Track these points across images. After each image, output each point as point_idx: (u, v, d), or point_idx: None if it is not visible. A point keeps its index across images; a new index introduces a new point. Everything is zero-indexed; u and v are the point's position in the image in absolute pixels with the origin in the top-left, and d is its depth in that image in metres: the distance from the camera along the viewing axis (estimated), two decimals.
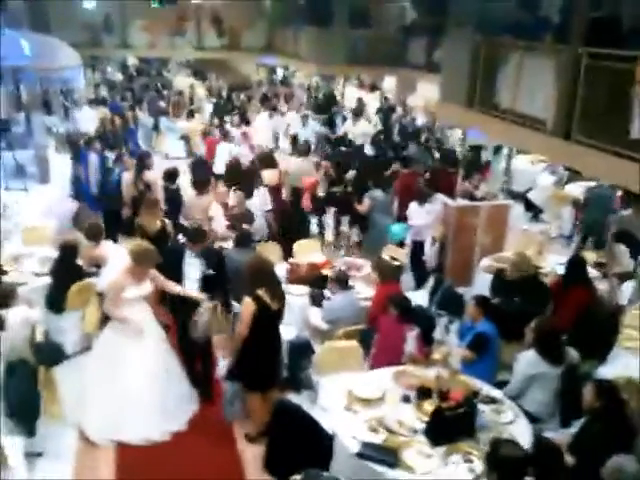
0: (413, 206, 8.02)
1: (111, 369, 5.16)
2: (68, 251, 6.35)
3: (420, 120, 15.44)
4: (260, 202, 7.98)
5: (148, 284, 5.26)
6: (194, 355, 5.77)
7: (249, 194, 8.05)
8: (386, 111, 16.09)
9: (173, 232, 7.36)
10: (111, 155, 9.63)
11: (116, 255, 6.07)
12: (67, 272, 6.27)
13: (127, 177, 8.62)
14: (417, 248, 8.04)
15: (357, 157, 10.70)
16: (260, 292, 4.79)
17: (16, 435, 4.56)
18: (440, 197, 8.20)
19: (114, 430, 5.13)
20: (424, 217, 7.95)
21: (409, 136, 13.28)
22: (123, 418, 5.13)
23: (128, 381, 5.12)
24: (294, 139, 12.08)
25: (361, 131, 12.84)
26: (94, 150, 9.35)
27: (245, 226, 7.23)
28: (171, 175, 8.34)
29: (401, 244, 8.03)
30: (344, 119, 14.52)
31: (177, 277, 5.50)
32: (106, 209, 8.81)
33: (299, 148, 9.98)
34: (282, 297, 5.02)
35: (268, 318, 4.87)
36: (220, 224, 7.33)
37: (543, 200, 10.88)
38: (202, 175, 8.79)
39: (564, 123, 6.50)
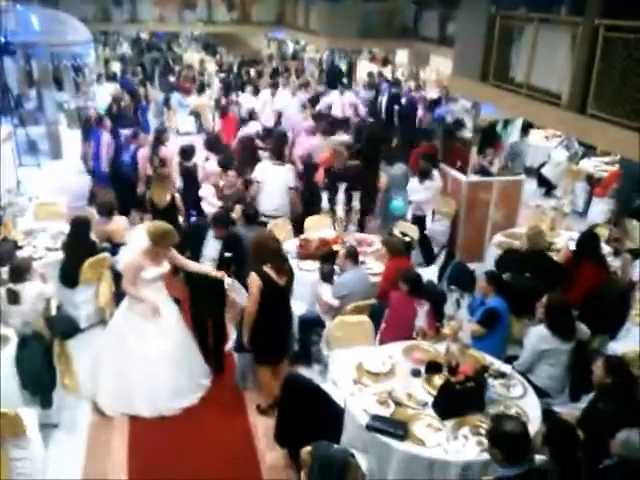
0: (413, 182, 8.04)
1: (125, 344, 5.21)
2: (80, 226, 6.40)
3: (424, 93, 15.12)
4: (284, 179, 7.87)
5: (166, 264, 5.29)
6: (207, 329, 5.86)
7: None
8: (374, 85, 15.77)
9: (184, 207, 7.42)
10: (124, 132, 9.58)
11: (133, 234, 6.10)
12: (80, 247, 6.33)
13: (143, 153, 8.60)
14: (418, 222, 8.04)
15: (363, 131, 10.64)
16: (265, 268, 4.85)
17: (32, 406, 4.67)
18: (453, 172, 8.16)
19: (126, 404, 5.22)
20: (424, 193, 8.00)
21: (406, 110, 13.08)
22: (136, 392, 5.20)
23: (142, 357, 5.18)
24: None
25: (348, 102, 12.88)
26: (105, 128, 9.31)
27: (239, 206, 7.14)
28: (187, 152, 8.32)
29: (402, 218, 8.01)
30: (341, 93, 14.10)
31: (196, 254, 5.62)
32: (119, 185, 8.82)
33: (320, 127, 9.87)
34: (289, 273, 5.06)
35: (275, 293, 4.91)
36: (211, 205, 7.26)
37: (556, 175, 10.77)
38: (224, 152, 8.68)
39: (580, 97, 6.39)
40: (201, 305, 5.77)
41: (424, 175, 7.97)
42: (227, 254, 5.63)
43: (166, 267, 5.30)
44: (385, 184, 8.35)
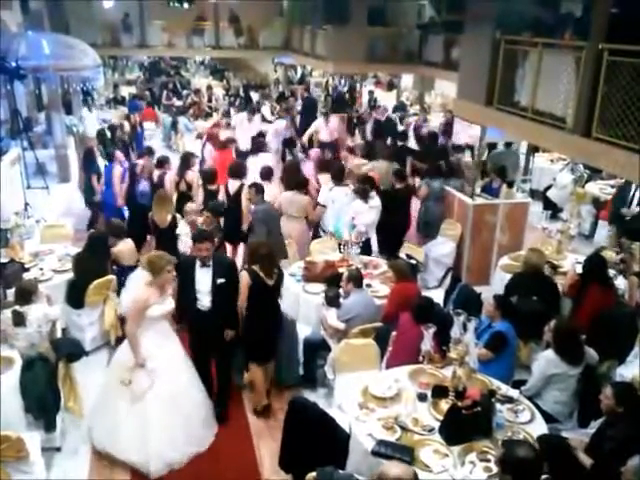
0: (358, 204, 7.85)
1: (120, 387, 4.81)
2: (96, 242, 6.45)
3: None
4: (348, 199, 8.03)
5: (170, 300, 5.00)
6: (209, 371, 5.49)
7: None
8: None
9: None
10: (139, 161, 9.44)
11: (132, 277, 5.74)
12: (92, 263, 6.35)
13: (170, 178, 8.51)
14: (365, 246, 7.89)
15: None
16: (255, 267, 5.27)
17: (35, 430, 4.64)
18: (459, 195, 8.16)
19: (115, 448, 4.87)
20: (369, 214, 7.87)
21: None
22: (124, 438, 4.80)
23: (133, 404, 4.76)
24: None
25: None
26: (118, 161, 9.15)
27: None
28: (210, 174, 8.42)
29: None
30: None
31: (188, 290, 5.21)
32: (137, 217, 8.36)
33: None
34: (277, 275, 5.42)
35: (264, 291, 5.30)
36: (185, 244, 6.78)
37: (562, 198, 10.75)
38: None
39: (584, 120, 6.42)
40: (202, 345, 5.37)
41: (365, 195, 7.85)
42: (220, 280, 5.13)
43: (171, 305, 4.99)
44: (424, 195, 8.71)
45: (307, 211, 7.87)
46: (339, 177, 8.41)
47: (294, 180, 8.28)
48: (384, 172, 9.40)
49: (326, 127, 13.11)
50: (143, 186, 8.67)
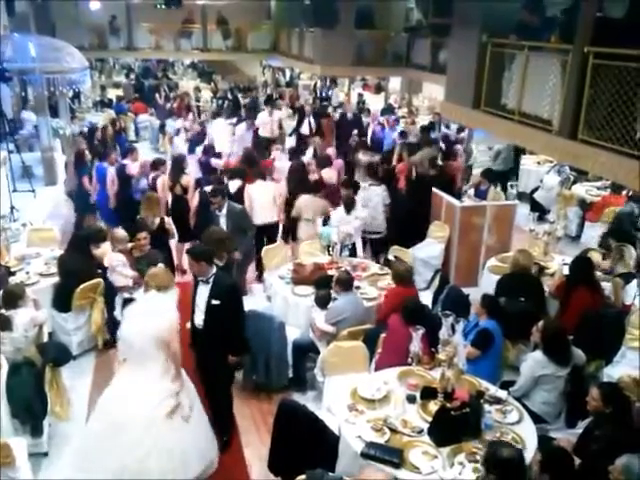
0: (340, 214, 7.78)
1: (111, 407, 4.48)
2: (78, 243, 6.42)
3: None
4: (380, 198, 8.24)
5: None
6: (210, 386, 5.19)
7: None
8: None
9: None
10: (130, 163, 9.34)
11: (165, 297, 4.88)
12: (76, 266, 6.28)
13: (163, 181, 8.43)
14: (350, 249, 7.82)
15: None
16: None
17: (22, 435, 4.59)
18: (447, 197, 8.20)
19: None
20: (352, 223, 7.74)
21: None
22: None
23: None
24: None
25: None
26: (110, 162, 9.12)
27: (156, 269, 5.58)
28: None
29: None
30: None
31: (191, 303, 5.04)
32: (129, 218, 7.95)
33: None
34: (227, 258, 6.06)
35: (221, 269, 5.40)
36: (123, 276, 6.39)
37: (549, 200, 10.84)
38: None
39: (570, 123, 6.47)
40: (199, 361, 5.17)
41: (350, 206, 7.71)
42: (214, 302, 4.80)
43: None
44: None
45: (327, 213, 7.92)
46: (374, 175, 8.58)
47: (303, 182, 8.28)
48: (425, 160, 9.44)
49: (269, 122, 13.08)
50: (143, 185, 8.65)
